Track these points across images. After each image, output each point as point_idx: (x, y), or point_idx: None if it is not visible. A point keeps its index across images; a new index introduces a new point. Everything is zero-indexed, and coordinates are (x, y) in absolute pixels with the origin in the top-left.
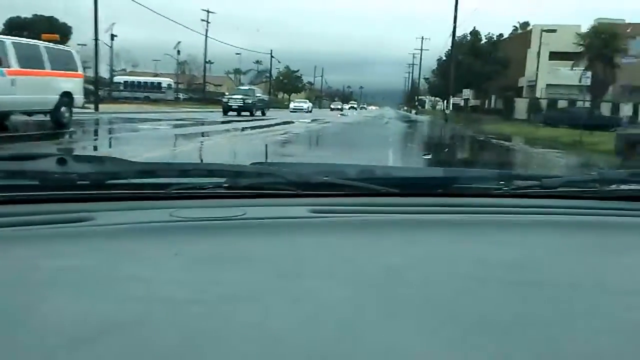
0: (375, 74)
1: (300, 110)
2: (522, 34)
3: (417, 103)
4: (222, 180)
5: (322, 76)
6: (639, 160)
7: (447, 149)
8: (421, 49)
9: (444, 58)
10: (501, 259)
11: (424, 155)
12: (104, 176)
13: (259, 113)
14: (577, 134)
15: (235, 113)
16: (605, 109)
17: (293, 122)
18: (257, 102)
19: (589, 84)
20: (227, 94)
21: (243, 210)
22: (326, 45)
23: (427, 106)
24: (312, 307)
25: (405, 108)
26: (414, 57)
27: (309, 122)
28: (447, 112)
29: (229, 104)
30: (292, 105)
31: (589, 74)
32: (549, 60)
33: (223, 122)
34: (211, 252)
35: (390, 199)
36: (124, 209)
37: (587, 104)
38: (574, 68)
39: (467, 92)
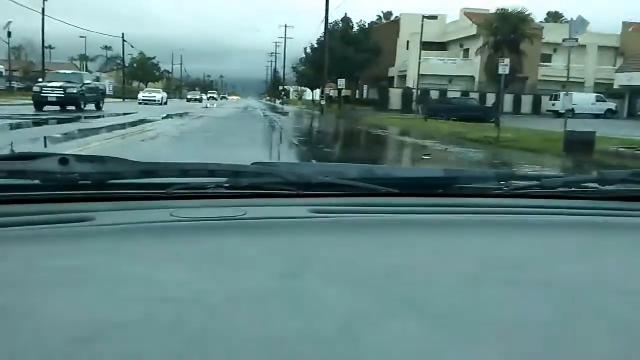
0: (236, 63)
1: (152, 101)
2: (392, 23)
3: (282, 93)
4: (223, 180)
5: (180, 64)
6: (586, 159)
7: (354, 147)
8: (285, 37)
9: (316, 45)
10: (501, 259)
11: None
12: (104, 176)
13: (92, 106)
14: (482, 128)
15: (57, 107)
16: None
17: (144, 122)
18: (86, 92)
19: (507, 72)
20: (40, 80)
21: (243, 210)
22: (185, 32)
23: (292, 96)
24: (312, 307)
25: (268, 98)
26: (276, 45)
27: (166, 119)
28: (322, 102)
29: (43, 94)
30: (141, 95)
31: (507, 61)
32: (428, 50)
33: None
34: (211, 252)
35: (390, 199)
36: (124, 209)
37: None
38: (447, 59)
39: (341, 82)
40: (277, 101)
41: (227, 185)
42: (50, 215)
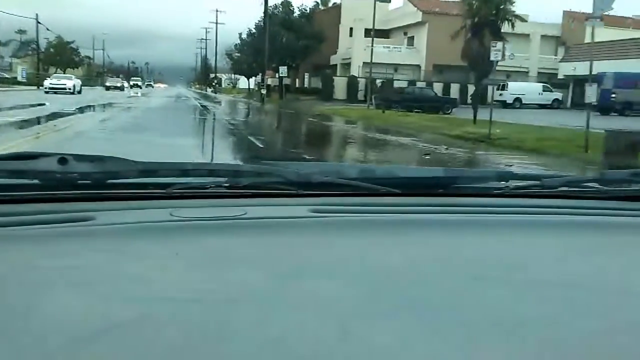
0: (164, 50)
1: (62, 90)
2: (332, 9)
3: (215, 82)
4: (223, 180)
5: (103, 49)
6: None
7: (321, 148)
8: (216, 22)
9: (254, 30)
10: (502, 259)
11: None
12: (104, 176)
13: None
14: (453, 121)
15: None
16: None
17: (54, 118)
18: None
19: (499, 58)
20: None
21: (243, 210)
22: (108, 16)
23: (224, 84)
24: (312, 306)
25: (198, 86)
26: (206, 31)
27: (84, 112)
28: (263, 92)
29: None
30: (47, 83)
31: (500, 45)
32: (365, 37)
33: None
34: (212, 251)
35: (391, 199)
36: (124, 209)
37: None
38: (392, 47)
39: (283, 70)
40: (209, 90)
41: (227, 185)
42: (50, 215)
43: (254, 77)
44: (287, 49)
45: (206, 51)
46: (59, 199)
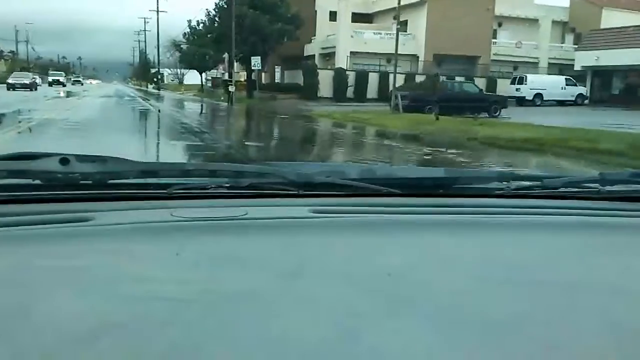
0: (98, 44)
1: None
2: None
3: (159, 77)
4: (224, 180)
5: (27, 41)
6: None
7: None
8: (157, 10)
9: (214, 12)
10: (502, 260)
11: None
12: (104, 176)
13: None
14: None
15: None
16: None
17: None
18: None
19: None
20: None
21: (244, 210)
22: (34, 8)
23: (167, 80)
24: (313, 307)
25: (135, 82)
26: (145, 21)
27: None
28: (231, 89)
29: None
30: None
31: None
32: (352, 22)
33: None
34: (212, 252)
35: (392, 199)
36: (125, 209)
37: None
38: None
39: (256, 60)
40: (150, 86)
41: (227, 185)
42: (50, 215)
43: (206, 72)
44: (257, 34)
45: (145, 44)
46: (59, 199)
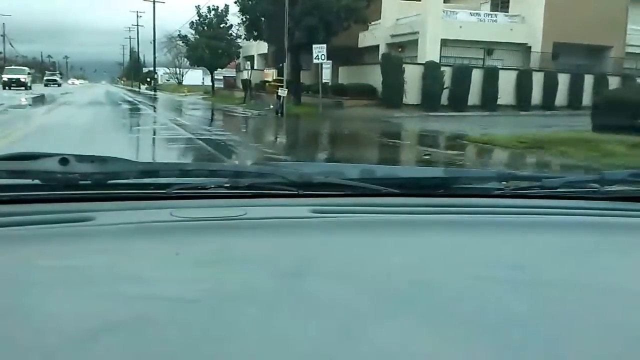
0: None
1: None
2: None
3: (155, 76)
4: (223, 180)
5: (3, 35)
6: None
7: None
8: (154, 0)
9: None
10: (502, 260)
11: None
12: (104, 176)
13: None
14: None
15: None
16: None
17: None
18: None
19: None
20: None
21: (244, 210)
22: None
23: (161, 81)
24: (313, 307)
25: (125, 82)
26: (138, 15)
27: None
28: (282, 94)
29: None
30: None
31: None
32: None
33: None
34: (212, 252)
35: (391, 199)
36: (124, 209)
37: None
38: (484, 14)
39: (321, 51)
40: (143, 87)
41: (227, 185)
42: (50, 215)
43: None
44: (315, 12)
45: (138, 40)
46: (59, 199)
